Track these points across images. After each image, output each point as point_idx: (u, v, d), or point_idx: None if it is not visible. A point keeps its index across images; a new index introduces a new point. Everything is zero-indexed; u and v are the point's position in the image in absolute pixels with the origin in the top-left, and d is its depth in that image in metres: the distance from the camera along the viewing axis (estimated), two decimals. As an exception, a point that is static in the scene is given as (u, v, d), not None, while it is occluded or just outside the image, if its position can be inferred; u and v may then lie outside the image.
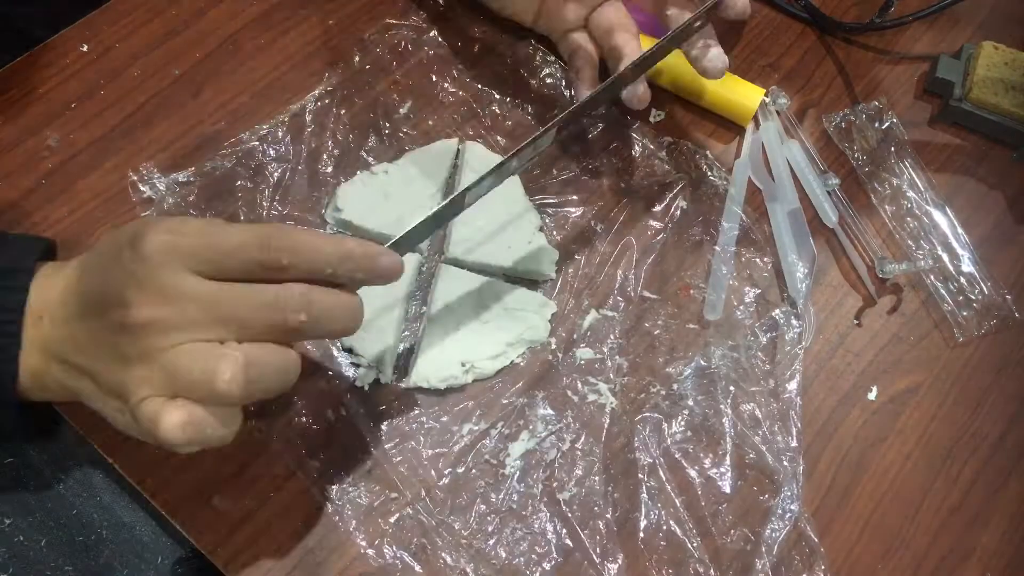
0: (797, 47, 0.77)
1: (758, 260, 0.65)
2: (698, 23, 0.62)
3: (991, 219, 0.71)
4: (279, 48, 0.68)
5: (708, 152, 0.69)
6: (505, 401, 0.58)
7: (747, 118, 0.70)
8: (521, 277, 0.63)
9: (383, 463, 0.55)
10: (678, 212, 0.66)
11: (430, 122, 0.67)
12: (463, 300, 0.60)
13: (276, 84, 0.67)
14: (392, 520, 0.53)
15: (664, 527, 0.55)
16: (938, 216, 0.70)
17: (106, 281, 0.42)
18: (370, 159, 0.65)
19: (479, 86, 0.69)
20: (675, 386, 0.60)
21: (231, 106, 0.65)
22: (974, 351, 0.66)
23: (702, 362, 0.61)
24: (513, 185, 0.64)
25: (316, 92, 0.66)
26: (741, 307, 0.63)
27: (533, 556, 0.54)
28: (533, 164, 0.66)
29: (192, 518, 0.52)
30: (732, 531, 0.56)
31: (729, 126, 0.72)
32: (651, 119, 0.71)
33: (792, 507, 0.57)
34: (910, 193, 0.70)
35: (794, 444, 0.59)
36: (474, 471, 0.56)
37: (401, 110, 0.67)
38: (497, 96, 0.69)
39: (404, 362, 0.58)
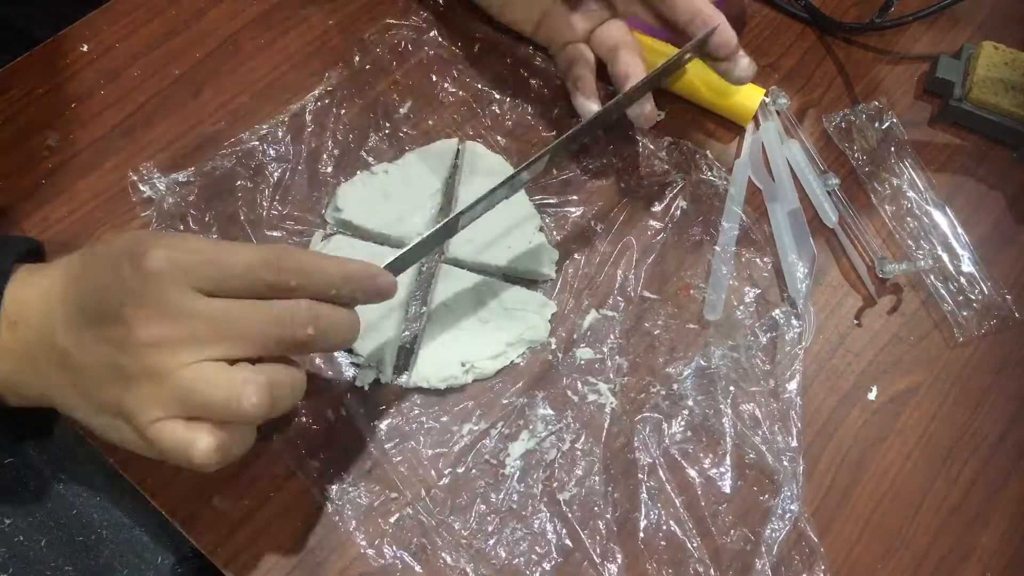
0: (797, 47, 0.77)
1: (758, 260, 0.65)
2: (688, 55, 0.63)
3: (991, 219, 0.71)
4: (279, 48, 0.68)
5: (708, 152, 0.69)
6: (505, 401, 0.58)
7: (747, 118, 0.70)
8: (521, 277, 0.63)
9: (383, 463, 0.55)
10: (678, 212, 0.66)
11: (430, 122, 0.67)
12: (463, 300, 0.60)
13: (276, 84, 0.67)
14: (392, 520, 0.53)
15: (664, 527, 0.55)
16: (938, 216, 0.70)
17: (103, 296, 0.42)
18: (370, 159, 0.65)
19: (479, 86, 0.69)
20: (675, 386, 0.60)
21: (231, 106, 0.65)
22: (974, 351, 0.66)
23: (702, 362, 0.61)
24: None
25: (316, 92, 0.66)
26: (741, 307, 0.63)
27: (533, 556, 0.54)
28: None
29: (192, 518, 0.52)
30: (732, 531, 0.56)
31: (729, 126, 0.72)
32: (651, 119, 0.71)
33: (792, 507, 0.57)
34: (910, 193, 0.70)
35: (794, 444, 0.59)
36: (474, 471, 0.56)
37: (401, 110, 0.67)
38: (497, 96, 0.69)
39: (404, 362, 0.58)
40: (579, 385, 0.59)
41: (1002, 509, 0.60)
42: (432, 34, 0.71)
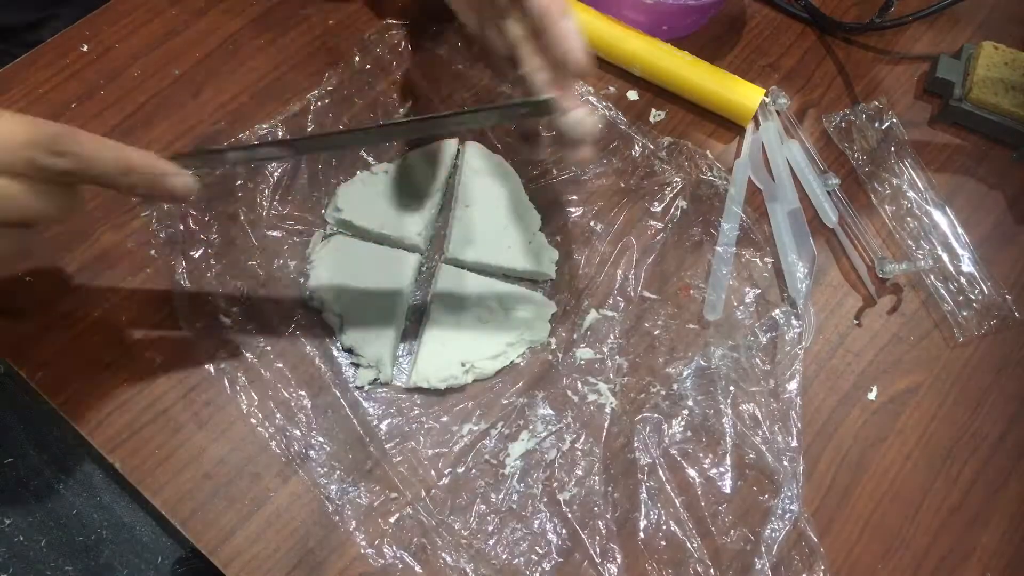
0: (797, 47, 0.77)
1: (758, 260, 0.65)
2: (524, 110, 0.53)
3: (991, 219, 0.71)
4: (279, 48, 0.68)
5: (708, 152, 0.69)
6: (505, 401, 0.58)
7: (747, 118, 0.70)
8: (521, 277, 0.63)
9: (383, 463, 0.55)
10: (678, 212, 0.66)
11: (430, 122, 0.67)
12: (463, 300, 0.60)
13: (276, 84, 0.67)
14: (392, 520, 0.53)
15: (664, 527, 0.55)
16: (938, 216, 0.70)
17: None
18: (370, 159, 0.65)
19: (479, 86, 0.69)
20: (675, 386, 0.60)
21: (231, 106, 0.65)
22: (974, 351, 0.66)
23: (702, 362, 0.61)
24: (513, 185, 0.64)
25: (316, 92, 0.66)
26: (741, 307, 0.63)
27: (533, 556, 0.54)
28: (532, 164, 0.66)
29: (192, 518, 0.52)
30: (732, 531, 0.56)
31: (729, 126, 0.72)
32: (651, 119, 0.71)
33: (792, 507, 0.57)
34: (910, 193, 0.70)
35: (794, 444, 0.59)
36: (474, 471, 0.56)
37: (401, 110, 0.67)
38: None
39: (404, 362, 0.58)
40: (579, 385, 0.59)
41: (1002, 509, 0.60)
42: (432, 34, 0.71)
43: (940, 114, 0.75)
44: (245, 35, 0.68)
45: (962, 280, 0.67)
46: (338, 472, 0.54)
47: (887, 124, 0.73)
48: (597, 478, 0.56)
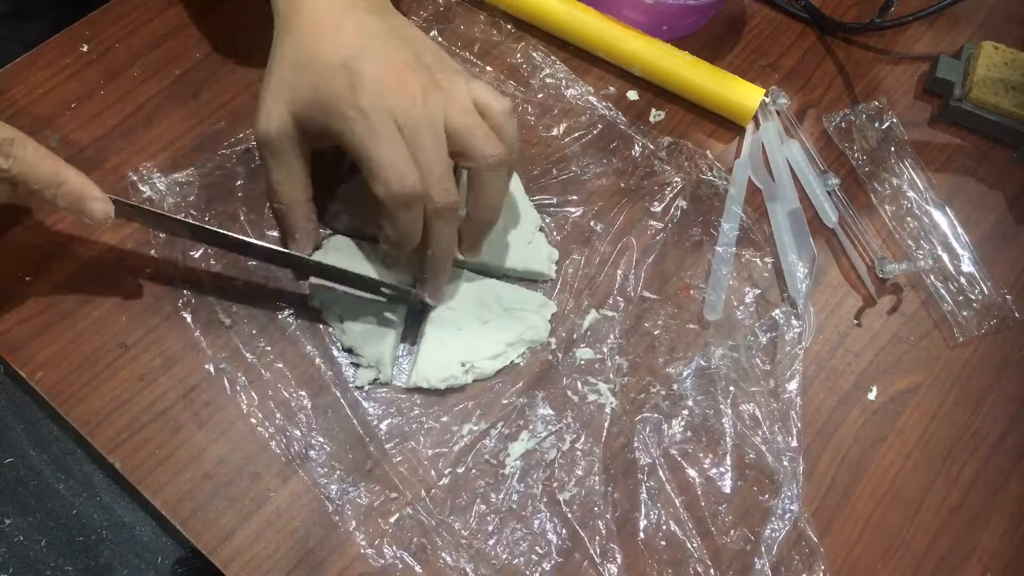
0: (797, 47, 0.77)
1: (758, 260, 0.65)
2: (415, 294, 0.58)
3: (991, 219, 0.71)
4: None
5: (708, 152, 0.69)
6: (505, 401, 0.58)
7: (747, 118, 0.70)
8: (521, 277, 0.62)
9: (383, 463, 0.55)
10: (678, 212, 0.66)
11: (430, 122, 0.67)
12: (463, 300, 0.60)
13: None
14: (392, 520, 0.53)
15: (664, 527, 0.55)
16: (938, 216, 0.70)
17: None
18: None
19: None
20: (675, 386, 0.60)
21: (231, 106, 0.65)
22: (974, 351, 0.66)
23: (702, 362, 0.61)
24: (513, 185, 0.64)
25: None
26: (741, 307, 0.63)
27: (533, 556, 0.54)
28: (533, 164, 0.66)
29: (192, 518, 0.52)
30: (732, 531, 0.56)
31: (729, 126, 0.72)
32: (651, 119, 0.71)
33: (792, 507, 0.57)
34: (910, 193, 0.70)
35: (794, 444, 0.59)
36: (474, 471, 0.56)
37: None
38: (497, 96, 0.69)
39: (404, 362, 0.58)
40: (579, 385, 0.59)
41: (1002, 509, 0.60)
42: (432, 34, 0.71)
43: (940, 114, 0.75)
44: (245, 35, 0.68)
45: (962, 280, 0.67)
46: (338, 472, 0.54)
47: (887, 124, 0.73)
48: (597, 478, 0.56)
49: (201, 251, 0.59)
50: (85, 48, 0.66)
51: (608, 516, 0.55)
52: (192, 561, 0.57)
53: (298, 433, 0.55)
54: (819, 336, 0.64)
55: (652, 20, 0.72)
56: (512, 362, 0.59)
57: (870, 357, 0.64)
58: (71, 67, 0.65)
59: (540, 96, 0.70)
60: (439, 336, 0.58)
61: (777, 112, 0.72)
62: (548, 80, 0.70)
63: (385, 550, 0.52)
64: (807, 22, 0.78)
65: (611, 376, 0.59)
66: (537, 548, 0.54)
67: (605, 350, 0.60)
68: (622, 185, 0.67)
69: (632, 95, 0.72)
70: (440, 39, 0.71)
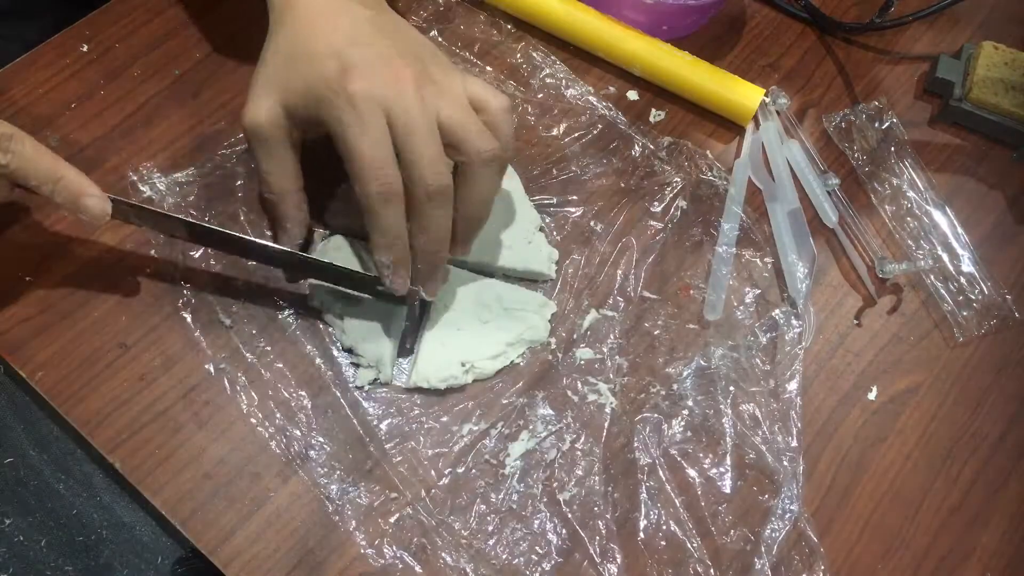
0: (797, 47, 0.77)
1: (758, 260, 0.65)
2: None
3: (991, 219, 0.71)
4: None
5: (708, 152, 0.69)
6: (505, 401, 0.58)
7: (747, 118, 0.70)
8: (521, 277, 0.62)
9: (383, 463, 0.55)
10: (678, 212, 0.66)
11: (430, 122, 0.67)
12: (463, 300, 0.60)
13: (276, 84, 0.67)
14: (392, 520, 0.53)
15: (664, 527, 0.55)
16: (938, 216, 0.70)
17: None
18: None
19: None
20: (675, 386, 0.60)
21: (231, 106, 0.65)
22: (974, 351, 0.66)
23: (702, 362, 0.61)
24: (513, 185, 0.64)
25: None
26: (741, 307, 0.63)
27: (533, 556, 0.54)
28: (533, 164, 0.66)
29: (192, 518, 0.52)
30: (732, 531, 0.56)
31: (729, 126, 0.72)
32: (651, 119, 0.71)
33: (792, 507, 0.57)
34: (910, 193, 0.70)
35: (794, 444, 0.59)
36: (474, 471, 0.56)
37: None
38: (497, 96, 0.69)
39: (404, 362, 0.58)
40: (579, 385, 0.59)
41: (1002, 509, 0.60)
42: (432, 34, 0.71)
43: (940, 114, 0.75)
44: (245, 35, 0.68)
45: (962, 280, 0.67)
46: (338, 472, 0.54)
47: (887, 124, 0.73)
48: (597, 478, 0.56)
49: (201, 251, 0.59)
50: (85, 48, 0.66)
51: (608, 516, 0.55)
52: (192, 561, 0.57)
53: (298, 433, 0.55)
54: (819, 336, 0.64)
55: (652, 20, 0.72)
56: (512, 362, 0.59)
57: (870, 357, 0.64)
58: (71, 67, 0.65)
59: (540, 96, 0.70)
60: (439, 336, 0.58)
61: (777, 112, 0.72)
62: (548, 80, 0.70)
63: (385, 550, 0.52)
64: (807, 22, 0.78)
65: (611, 376, 0.59)
66: (537, 548, 0.54)
67: (605, 350, 0.60)
68: (622, 185, 0.67)
69: (632, 95, 0.72)
70: (440, 39, 0.71)
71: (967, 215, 0.70)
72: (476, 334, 0.59)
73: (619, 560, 0.54)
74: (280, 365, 0.57)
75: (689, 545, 0.55)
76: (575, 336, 0.61)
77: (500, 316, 0.60)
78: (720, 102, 0.71)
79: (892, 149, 0.72)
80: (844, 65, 0.77)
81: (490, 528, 0.54)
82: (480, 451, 0.56)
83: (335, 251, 0.59)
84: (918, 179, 0.71)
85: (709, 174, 0.68)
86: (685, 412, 0.59)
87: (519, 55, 0.71)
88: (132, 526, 0.57)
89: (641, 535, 0.55)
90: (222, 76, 0.66)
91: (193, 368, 0.56)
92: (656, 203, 0.67)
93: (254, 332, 0.57)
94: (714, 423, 0.59)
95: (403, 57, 0.51)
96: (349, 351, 0.58)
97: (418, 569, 0.52)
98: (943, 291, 0.67)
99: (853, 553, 0.57)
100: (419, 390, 0.57)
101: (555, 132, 0.68)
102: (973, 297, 0.67)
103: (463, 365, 0.57)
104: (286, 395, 0.56)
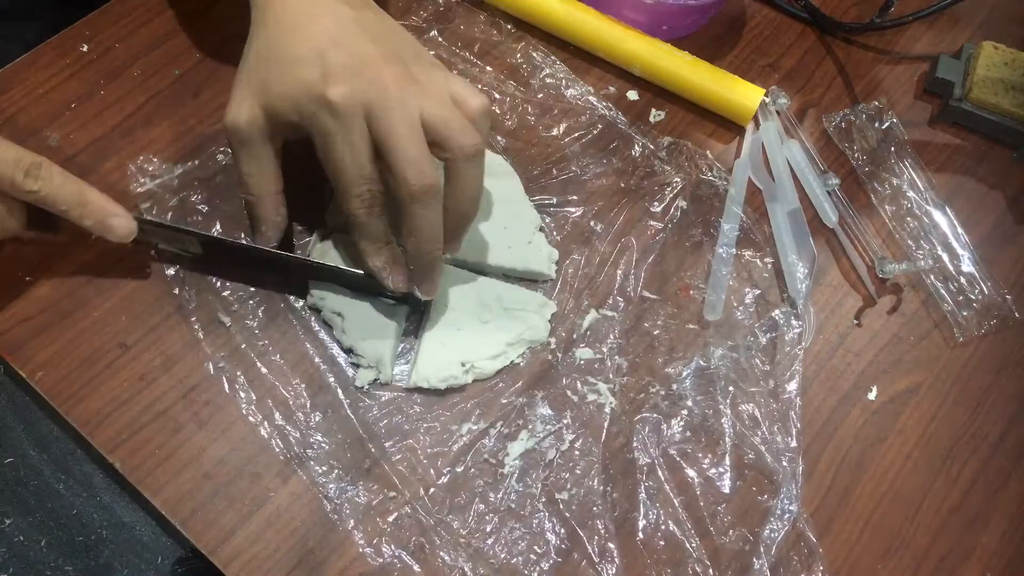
0: (797, 47, 0.77)
1: (758, 261, 0.65)
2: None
3: (991, 219, 0.71)
4: (279, 48, 0.68)
5: (708, 152, 0.69)
6: (504, 401, 0.58)
7: (747, 118, 0.70)
8: (521, 277, 0.63)
9: (382, 462, 0.55)
10: (678, 212, 0.66)
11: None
12: (463, 300, 0.60)
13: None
14: (391, 519, 0.53)
15: (663, 527, 0.55)
16: (938, 216, 0.70)
17: None
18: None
19: (479, 86, 0.69)
20: (674, 386, 0.60)
21: (231, 106, 0.65)
22: (974, 351, 0.66)
23: (701, 362, 0.61)
24: (513, 185, 0.64)
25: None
26: (741, 308, 0.63)
27: (531, 556, 0.54)
28: (532, 164, 0.66)
29: (192, 518, 0.52)
30: (731, 531, 0.56)
31: (729, 126, 0.72)
32: (651, 119, 0.71)
33: (791, 507, 0.57)
34: (910, 193, 0.70)
35: (793, 444, 0.59)
36: (473, 470, 0.56)
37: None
38: (497, 96, 0.69)
39: (404, 362, 0.58)
40: (578, 385, 0.59)
41: (1002, 509, 0.60)
42: (432, 34, 0.71)
43: (940, 114, 0.75)
44: (245, 34, 0.68)
45: (962, 280, 0.67)
46: (336, 471, 0.54)
47: (887, 124, 0.73)
48: (596, 478, 0.56)
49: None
50: (85, 48, 0.66)
51: (607, 516, 0.55)
52: (192, 561, 0.57)
53: (297, 433, 0.55)
54: (819, 336, 0.64)
55: (652, 20, 0.72)
56: (512, 362, 0.59)
57: (870, 357, 0.64)
58: (71, 67, 0.65)
59: (540, 96, 0.70)
60: (439, 336, 0.58)
61: (777, 112, 0.72)
62: (548, 80, 0.71)
63: (383, 549, 0.52)
64: (807, 22, 0.78)
65: (611, 376, 0.59)
66: (536, 548, 0.54)
67: (605, 350, 0.60)
68: (622, 185, 0.67)
69: (632, 95, 0.72)
70: (440, 39, 0.71)
71: (967, 215, 0.70)
72: (476, 334, 0.59)
73: (617, 560, 0.54)
74: (280, 364, 0.57)
75: (688, 545, 0.55)
76: (575, 336, 0.61)
77: (500, 316, 0.60)
78: (720, 102, 0.71)
79: (892, 149, 0.72)
80: (844, 65, 0.77)
81: (489, 527, 0.54)
82: (479, 450, 0.56)
83: (335, 250, 0.59)
84: (918, 179, 0.71)
85: (709, 174, 0.68)
86: (684, 412, 0.59)
87: (519, 55, 0.71)
88: (132, 526, 0.57)
89: (640, 535, 0.55)
90: (222, 76, 0.66)
91: (193, 368, 0.56)
92: (656, 203, 0.67)
93: (254, 332, 0.57)
94: (713, 423, 0.59)
95: (385, 58, 0.51)
96: (349, 351, 0.58)
97: (416, 568, 0.52)
98: (943, 291, 0.67)
99: (853, 553, 0.57)
100: (419, 390, 0.57)
101: (555, 132, 0.68)
102: (973, 297, 0.67)
103: (463, 365, 0.57)
104: (285, 394, 0.56)
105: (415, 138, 0.50)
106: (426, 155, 0.50)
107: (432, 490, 0.55)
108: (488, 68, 0.70)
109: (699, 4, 0.71)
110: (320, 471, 0.54)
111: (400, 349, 0.59)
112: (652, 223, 0.66)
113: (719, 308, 0.62)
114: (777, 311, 0.63)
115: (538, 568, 0.53)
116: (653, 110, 0.71)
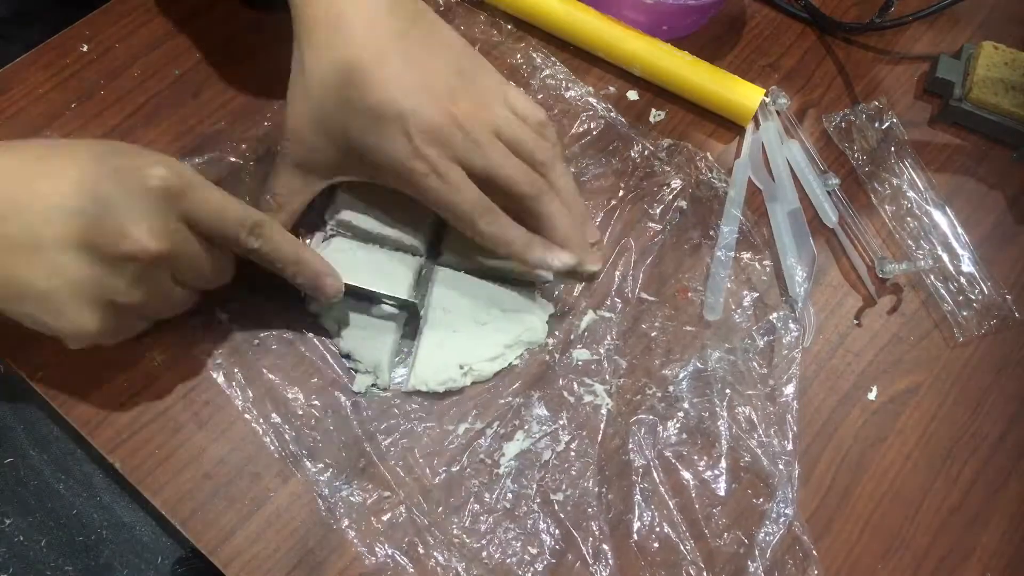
0: (797, 47, 0.77)
1: (756, 263, 0.65)
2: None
3: (991, 219, 0.71)
4: (280, 46, 0.68)
5: (708, 153, 0.69)
6: (501, 401, 0.58)
7: (747, 118, 0.70)
8: (519, 279, 0.62)
9: (378, 462, 0.55)
10: (677, 214, 0.66)
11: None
12: (461, 302, 0.60)
13: (276, 83, 0.67)
14: (385, 519, 0.53)
15: (657, 529, 0.55)
16: (938, 216, 0.70)
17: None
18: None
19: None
20: (671, 388, 0.60)
21: (231, 106, 0.65)
22: (974, 351, 0.65)
23: (698, 364, 0.61)
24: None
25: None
26: (739, 310, 0.63)
27: (526, 556, 0.54)
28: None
29: (192, 518, 0.52)
30: (726, 534, 0.56)
31: (729, 126, 0.72)
32: (651, 119, 0.71)
33: (786, 511, 0.57)
34: (910, 193, 0.70)
35: (789, 447, 0.58)
36: (468, 470, 0.56)
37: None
38: (496, 96, 0.69)
39: (402, 364, 0.58)
40: (575, 386, 0.59)
41: (1002, 509, 0.60)
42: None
43: (940, 114, 0.75)
44: (245, 35, 0.68)
45: (962, 280, 0.67)
46: (331, 470, 0.54)
47: (887, 124, 0.73)
48: (591, 479, 0.56)
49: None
50: (85, 48, 0.66)
51: (602, 517, 0.55)
52: (192, 561, 0.57)
53: (295, 433, 0.55)
54: (819, 336, 0.64)
55: (652, 20, 0.72)
56: (510, 363, 0.59)
57: (870, 357, 0.64)
58: (71, 67, 0.65)
59: (540, 97, 0.70)
60: (437, 339, 0.58)
61: (777, 112, 0.71)
62: (548, 81, 0.70)
63: (377, 549, 0.53)
64: (807, 22, 0.78)
65: (607, 377, 0.60)
66: (530, 548, 0.54)
67: (602, 351, 0.60)
68: (621, 186, 0.67)
69: (632, 95, 0.72)
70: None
71: (967, 215, 0.70)
72: (474, 336, 0.59)
73: (612, 562, 0.54)
74: (278, 364, 0.57)
75: (682, 547, 0.55)
76: (572, 337, 0.61)
77: (498, 318, 0.60)
78: (720, 102, 0.70)
79: (892, 149, 0.72)
80: (844, 65, 0.77)
81: (483, 528, 0.54)
82: (475, 450, 0.56)
83: (336, 253, 0.59)
84: (918, 179, 0.71)
85: (709, 175, 0.68)
86: (681, 414, 0.59)
87: (519, 55, 0.71)
88: (132, 526, 0.57)
89: (634, 537, 0.55)
90: (222, 76, 0.67)
91: (193, 368, 0.56)
92: (655, 205, 0.67)
93: (253, 332, 0.58)
94: (710, 425, 0.59)
95: (448, 86, 0.52)
96: (347, 356, 0.58)
97: (410, 568, 0.52)
98: (943, 291, 0.66)
99: (853, 553, 0.57)
100: (417, 392, 0.57)
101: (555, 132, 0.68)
102: (973, 297, 0.67)
103: (461, 367, 0.58)
104: (284, 394, 0.56)
105: (505, 157, 0.53)
106: (519, 162, 0.54)
107: (427, 490, 0.55)
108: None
109: (699, 4, 0.71)
110: (314, 470, 0.54)
111: (398, 353, 0.59)
112: (651, 224, 0.66)
113: (718, 310, 0.62)
114: (775, 314, 0.63)
115: (532, 569, 0.53)
116: (653, 110, 0.71)
